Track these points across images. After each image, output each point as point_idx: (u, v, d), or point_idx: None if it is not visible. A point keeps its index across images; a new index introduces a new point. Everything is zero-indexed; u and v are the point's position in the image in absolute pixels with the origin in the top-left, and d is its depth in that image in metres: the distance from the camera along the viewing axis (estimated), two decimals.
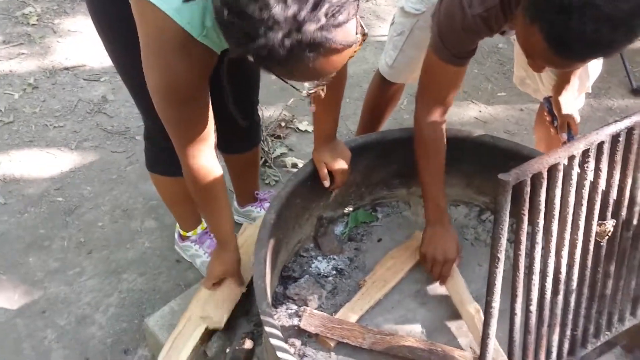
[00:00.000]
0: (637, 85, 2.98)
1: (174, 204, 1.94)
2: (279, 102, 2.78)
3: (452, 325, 1.66)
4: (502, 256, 0.89)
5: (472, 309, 1.61)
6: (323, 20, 0.95)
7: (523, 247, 0.92)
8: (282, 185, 1.67)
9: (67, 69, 2.97)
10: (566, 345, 1.10)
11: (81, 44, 3.12)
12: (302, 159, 2.51)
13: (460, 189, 1.95)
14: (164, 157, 1.74)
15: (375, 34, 3.25)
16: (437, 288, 1.74)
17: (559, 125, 1.80)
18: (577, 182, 0.93)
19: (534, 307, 0.99)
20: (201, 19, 1.16)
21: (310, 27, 0.95)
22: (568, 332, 1.09)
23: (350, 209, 1.94)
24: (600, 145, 0.93)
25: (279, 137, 2.59)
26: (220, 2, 0.99)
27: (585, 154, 0.92)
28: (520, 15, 1.15)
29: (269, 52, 0.96)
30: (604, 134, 0.92)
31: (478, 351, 1.18)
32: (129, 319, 1.98)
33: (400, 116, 2.77)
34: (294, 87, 1.17)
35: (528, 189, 0.87)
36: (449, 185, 1.96)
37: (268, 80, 2.91)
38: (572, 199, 0.94)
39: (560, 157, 0.88)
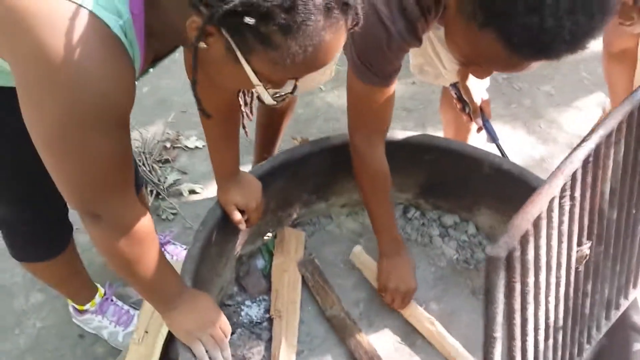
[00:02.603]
0: None
1: (59, 284, 1.63)
2: (157, 119, 2.47)
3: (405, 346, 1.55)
4: (499, 336, 0.75)
5: (428, 323, 1.51)
6: None
7: (518, 315, 0.78)
8: (192, 239, 1.42)
9: None
10: None
11: None
12: (200, 181, 2.24)
13: None
14: (29, 243, 1.42)
15: None
16: (380, 308, 1.61)
17: (472, 111, 1.69)
18: (557, 222, 0.80)
19: None
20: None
21: None
22: None
23: (270, 235, 1.75)
24: (574, 174, 0.80)
25: (167, 161, 2.29)
26: None
27: (562, 189, 0.79)
28: (457, 22, 0.98)
29: (289, 8, 0.72)
30: (577, 161, 0.79)
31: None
32: None
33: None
34: (258, 97, 0.89)
35: (518, 254, 0.72)
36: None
37: (139, 96, 2.60)
38: (555, 242, 0.81)
39: (542, 204, 0.74)
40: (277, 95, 0.88)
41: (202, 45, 0.79)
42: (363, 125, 1.39)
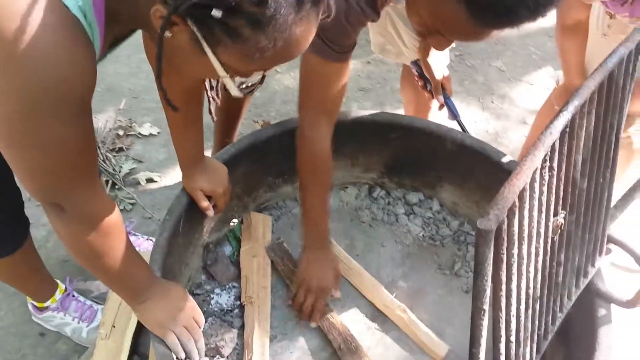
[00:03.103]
0: None
1: (18, 281, 1.56)
2: (108, 106, 2.38)
3: (377, 326, 1.55)
4: (487, 307, 0.75)
5: (399, 310, 1.51)
6: None
7: (504, 287, 0.79)
8: (158, 229, 1.38)
9: None
10: (535, 348, 1.02)
11: None
12: (157, 169, 2.18)
13: (345, 170, 1.82)
14: None
15: None
16: (351, 289, 1.61)
17: (434, 88, 1.70)
18: (538, 193, 0.81)
19: (513, 337, 0.88)
20: None
21: None
22: (535, 336, 1.01)
23: (236, 221, 1.72)
24: (553, 145, 0.81)
25: (121, 149, 2.21)
26: None
27: (543, 160, 0.79)
28: None
29: (259, 1, 0.68)
30: (557, 132, 0.80)
31: None
32: None
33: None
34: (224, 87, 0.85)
35: (505, 226, 0.73)
36: (333, 169, 1.81)
37: None
38: (535, 212, 0.82)
39: (527, 176, 0.74)
40: (244, 85, 0.85)
41: (167, 34, 0.76)
42: (314, 105, 1.34)
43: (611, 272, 1.91)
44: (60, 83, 0.76)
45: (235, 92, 0.84)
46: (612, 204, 1.22)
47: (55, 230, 1.00)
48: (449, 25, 0.98)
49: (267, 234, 1.68)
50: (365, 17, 1.16)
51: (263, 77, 0.87)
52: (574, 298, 1.15)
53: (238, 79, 0.84)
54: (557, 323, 1.11)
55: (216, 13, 0.69)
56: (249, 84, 0.84)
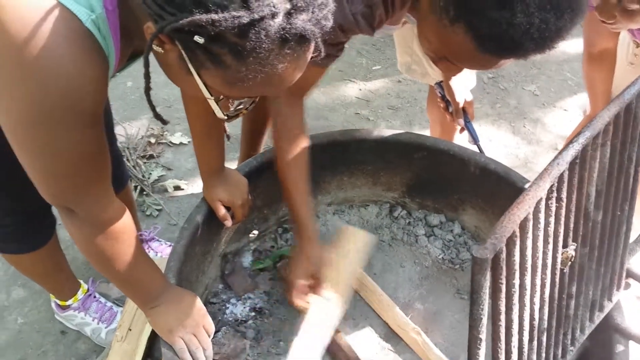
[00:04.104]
0: None
1: (42, 277, 1.61)
2: (141, 114, 2.44)
3: (390, 347, 1.54)
4: (483, 337, 0.75)
5: (413, 332, 1.50)
6: (317, 12, 0.74)
7: (503, 317, 0.78)
8: (177, 236, 1.41)
9: None
10: None
11: None
12: (184, 178, 2.22)
13: (367, 188, 1.82)
14: (12, 234, 1.40)
15: None
16: (366, 308, 1.60)
17: (455, 111, 1.69)
18: (544, 223, 0.80)
19: None
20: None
21: (303, 16, 0.72)
22: None
23: (256, 232, 1.74)
24: (561, 176, 0.80)
25: (151, 156, 2.27)
26: None
27: (549, 190, 0.79)
28: (429, 17, 0.98)
29: (241, 33, 0.70)
30: (564, 163, 0.79)
31: None
32: None
33: None
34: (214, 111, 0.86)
35: (504, 255, 0.72)
36: (354, 187, 1.82)
37: (123, 90, 2.57)
38: (541, 243, 0.81)
39: (529, 206, 0.74)
40: (235, 108, 0.87)
41: (159, 49, 0.78)
42: (287, 92, 1.35)
43: (637, 306, 1.86)
44: (70, 93, 0.79)
45: (219, 114, 0.86)
46: (633, 237, 1.19)
47: (67, 231, 1.04)
48: (457, 53, 0.98)
49: (352, 252, 1.57)
50: (358, 29, 1.14)
51: (252, 102, 0.89)
52: (587, 332, 1.12)
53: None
54: (568, 356, 1.08)
55: (198, 39, 0.71)
56: (239, 107, 0.86)
